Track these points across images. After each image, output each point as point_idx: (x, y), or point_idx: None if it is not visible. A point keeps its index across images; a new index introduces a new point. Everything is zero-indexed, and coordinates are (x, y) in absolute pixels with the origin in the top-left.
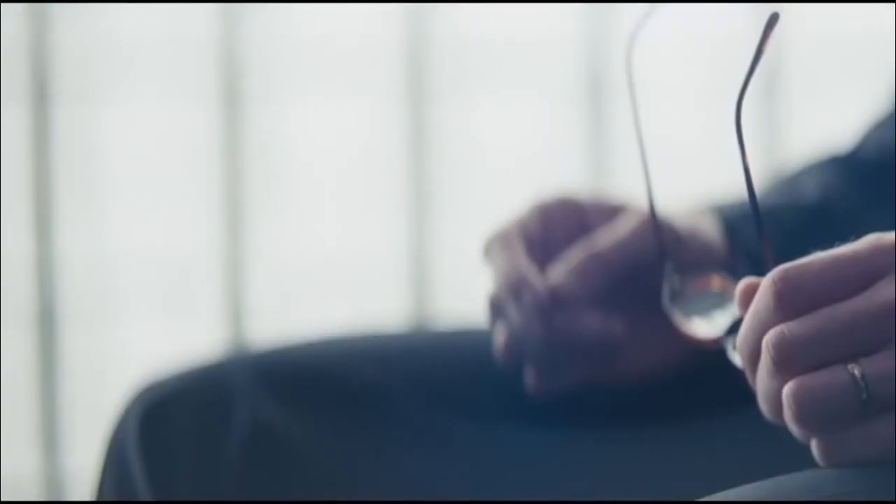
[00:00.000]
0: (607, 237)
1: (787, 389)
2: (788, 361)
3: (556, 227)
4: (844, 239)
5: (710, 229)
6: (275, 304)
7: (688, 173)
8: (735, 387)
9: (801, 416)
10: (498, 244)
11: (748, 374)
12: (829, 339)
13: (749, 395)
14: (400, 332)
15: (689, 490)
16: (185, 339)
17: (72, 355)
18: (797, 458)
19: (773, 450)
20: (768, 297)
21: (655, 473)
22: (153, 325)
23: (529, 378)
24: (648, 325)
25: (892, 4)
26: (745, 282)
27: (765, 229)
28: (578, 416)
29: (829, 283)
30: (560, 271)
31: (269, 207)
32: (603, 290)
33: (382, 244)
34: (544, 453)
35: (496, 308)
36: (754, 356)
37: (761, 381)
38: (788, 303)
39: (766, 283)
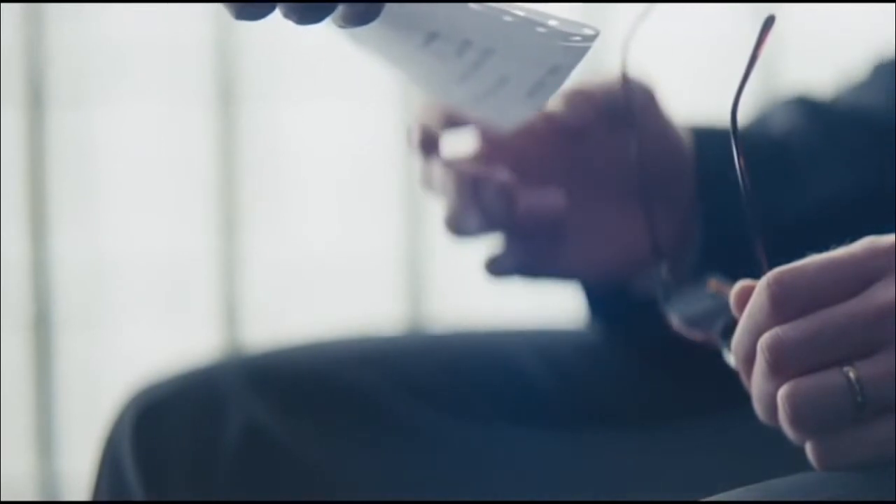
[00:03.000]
0: (591, 81)
1: (783, 392)
2: (783, 364)
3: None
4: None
5: (685, 138)
6: (269, 306)
7: None
8: (730, 388)
9: (796, 418)
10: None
11: (743, 377)
12: (824, 341)
13: (743, 397)
14: (394, 335)
15: (684, 492)
16: (180, 343)
17: (67, 358)
18: (792, 460)
19: (768, 452)
20: (763, 299)
21: (649, 475)
22: (148, 329)
23: (487, 257)
24: (604, 210)
25: (892, 4)
26: (740, 284)
27: (748, 207)
28: (574, 417)
29: (824, 286)
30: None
31: (265, 210)
32: (586, 125)
33: (377, 247)
34: (539, 455)
35: (429, 182)
36: (749, 358)
37: (756, 384)
38: (783, 305)
39: (761, 285)
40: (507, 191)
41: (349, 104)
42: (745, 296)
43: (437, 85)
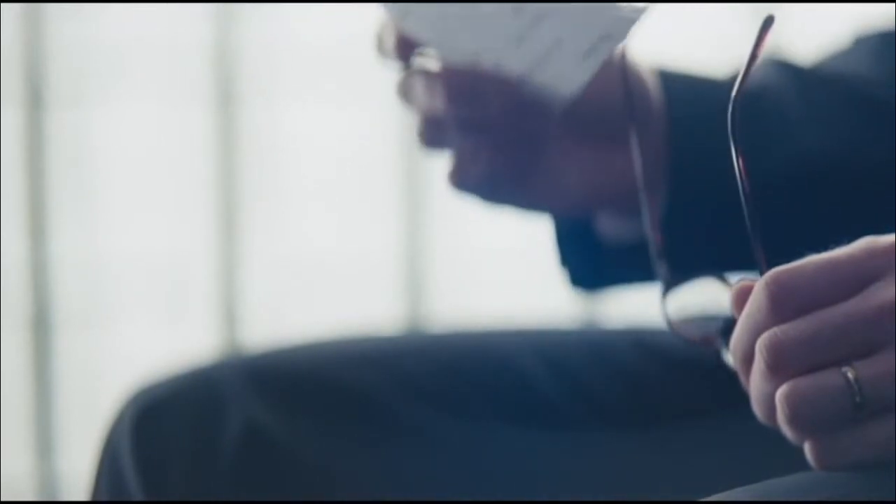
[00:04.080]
0: None
1: (781, 392)
2: (782, 364)
3: None
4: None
5: (652, 82)
6: (269, 306)
7: None
8: (728, 388)
9: (795, 418)
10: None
11: (741, 377)
12: (822, 342)
13: (742, 397)
14: (393, 335)
15: (684, 492)
16: (179, 343)
17: (66, 358)
18: (791, 460)
19: (768, 452)
20: (762, 299)
21: (649, 475)
22: (148, 329)
23: (450, 167)
24: (569, 138)
25: (892, 4)
26: (738, 283)
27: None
28: (571, 417)
29: (823, 286)
30: None
31: (264, 210)
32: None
33: (376, 247)
34: (537, 455)
35: (406, 91)
36: (747, 358)
37: (755, 384)
38: (782, 305)
39: (759, 285)
40: (483, 90)
41: (348, 105)
42: (743, 295)
43: (490, 53)
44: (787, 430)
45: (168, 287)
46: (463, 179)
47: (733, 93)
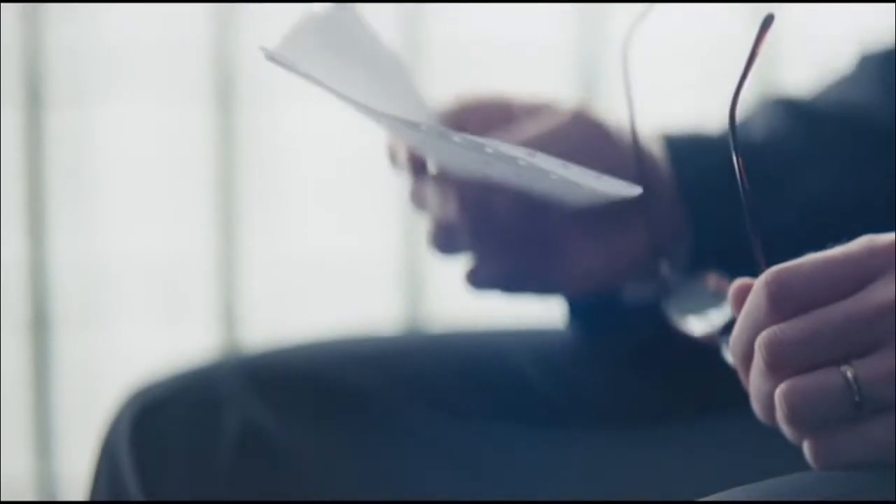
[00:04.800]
0: (529, 129)
1: (780, 391)
2: (781, 363)
3: (478, 121)
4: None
5: (655, 149)
6: (267, 307)
7: None
8: (726, 388)
9: (794, 417)
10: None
11: (741, 375)
12: (821, 340)
13: (740, 397)
14: (392, 335)
15: (682, 492)
16: (178, 343)
17: (65, 359)
18: (790, 460)
19: (766, 452)
20: (761, 298)
21: (647, 474)
22: (146, 329)
23: (467, 269)
24: (581, 225)
25: (891, 4)
26: (738, 282)
27: (728, 191)
28: (569, 417)
29: (823, 285)
30: None
31: (263, 210)
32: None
33: (376, 247)
34: (536, 454)
35: (418, 199)
36: (747, 356)
37: (754, 383)
38: (781, 304)
39: (758, 284)
40: (495, 197)
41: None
42: (742, 293)
43: (497, 175)
44: (785, 429)
45: (167, 287)
46: (479, 280)
47: (734, 90)
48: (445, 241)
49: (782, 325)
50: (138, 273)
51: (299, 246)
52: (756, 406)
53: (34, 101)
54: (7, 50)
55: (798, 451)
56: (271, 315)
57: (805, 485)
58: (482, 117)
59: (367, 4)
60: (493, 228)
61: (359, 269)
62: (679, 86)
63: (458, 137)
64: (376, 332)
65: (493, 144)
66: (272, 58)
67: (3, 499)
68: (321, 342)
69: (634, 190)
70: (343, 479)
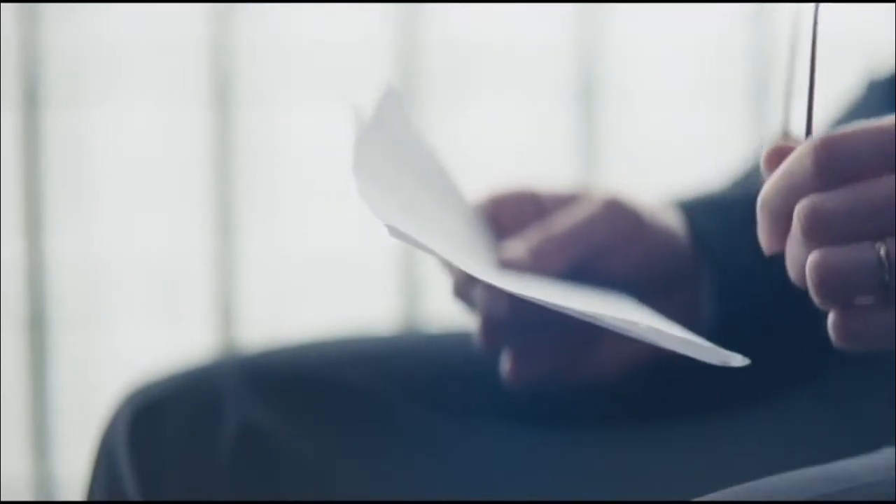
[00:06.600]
0: (563, 221)
1: (811, 260)
2: (818, 232)
3: (510, 215)
4: None
5: (673, 220)
6: (266, 306)
7: (682, 173)
8: (726, 388)
9: (822, 289)
10: None
11: (762, 233)
12: (861, 214)
13: (739, 397)
14: (390, 335)
15: (678, 491)
16: (176, 342)
17: (63, 358)
18: (789, 459)
19: (765, 452)
20: (807, 161)
21: (645, 474)
22: (144, 328)
23: (506, 366)
24: None
25: (891, 4)
26: (775, 144)
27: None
28: (568, 417)
29: (871, 157)
30: (516, 248)
31: (261, 210)
32: (559, 273)
33: (374, 247)
34: (535, 454)
35: (464, 295)
36: (776, 215)
37: (790, 247)
38: (827, 171)
39: (807, 147)
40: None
41: (346, 104)
42: (779, 154)
43: None
44: (814, 297)
45: (165, 286)
46: (525, 377)
47: (808, 77)
48: (493, 337)
49: (822, 196)
50: (136, 272)
51: (297, 246)
52: (790, 269)
53: (31, 100)
54: (5, 50)
55: (798, 450)
56: (269, 315)
57: (801, 483)
58: (514, 210)
59: (366, 4)
60: (540, 322)
61: (356, 268)
62: (679, 86)
63: (617, 322)
64: (374, 332)
65: (643, 325)
66: (397, 235)
67: (1, 498)
68: (319, 342)
69: (738, 360)
70: (341, 478)
